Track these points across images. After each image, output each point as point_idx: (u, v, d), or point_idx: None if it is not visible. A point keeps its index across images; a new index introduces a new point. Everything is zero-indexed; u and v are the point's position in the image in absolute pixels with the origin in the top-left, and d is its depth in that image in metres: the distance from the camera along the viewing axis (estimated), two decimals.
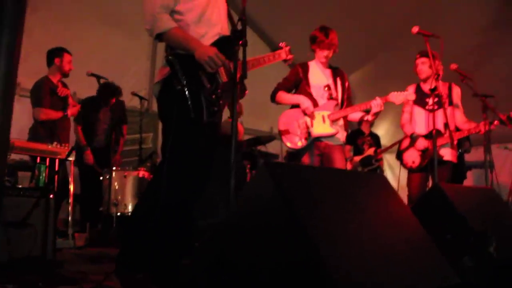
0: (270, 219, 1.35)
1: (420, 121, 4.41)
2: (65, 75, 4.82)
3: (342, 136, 3.83)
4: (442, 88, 4.30)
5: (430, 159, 4.16)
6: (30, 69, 5.31)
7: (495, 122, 4.12)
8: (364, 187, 1.67)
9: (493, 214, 2.44)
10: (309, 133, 3.74)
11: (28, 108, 4.77)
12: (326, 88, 3.83)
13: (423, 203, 2.29)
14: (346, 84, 3.96)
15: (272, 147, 6.38)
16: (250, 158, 5.69)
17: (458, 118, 4.39)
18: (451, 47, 5.58)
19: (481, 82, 5.19)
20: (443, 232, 2.18)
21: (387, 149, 6.45)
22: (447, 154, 4.23)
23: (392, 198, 1.77)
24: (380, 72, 7.10)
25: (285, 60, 3.14)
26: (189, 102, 2.25)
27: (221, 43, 2.46)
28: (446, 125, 3.87)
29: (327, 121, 3.74)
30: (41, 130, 4.55)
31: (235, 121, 2.17)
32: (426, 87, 4.33)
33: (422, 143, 4.32)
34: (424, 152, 4.33)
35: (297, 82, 3.90)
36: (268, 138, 5.86)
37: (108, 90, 4.99)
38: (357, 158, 6.25)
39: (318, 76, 3.90)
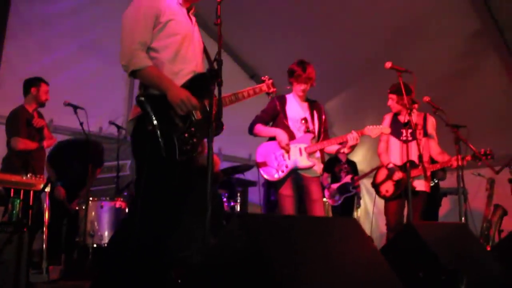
0: (242, 270, 1.37)
1: (395, 151, 4.53)
2: (41, 104, 4.78)
3: (319, 168, 3.88)
4: (417, 119, 4.43)
5: (403, 189, 4.31)
6: (6, 95, 5.29)
7: (467, 157, 4.22)
8: (337, 233, 1.70)
9: (465, 251, 2.49)
10: (286, 165, 3.78)
11: (1, 135, 4.72)
12: (303, 121, 3.89)
13: (397, 242, 2.34)
14: (323, 117, 4.03)
15: (250, 174, 6.40)
16: (227, 186, 5.70)
17: (433, 148, 4.51)
18: (425, 76, 5.76)
19: (454, 110, 5.35)
20: (416, 270, 2.22)
21: (364, 176, 6.54)
22: (420, 185, 4.34)
23: (363, 242, 1.80)
24: (357, 100, 7.22)
25: (268, 93, 3.21)
26: (161, 142, 2.28)
27: (195, 81, 2.51)
28: (420, 157, 3.95)
29: (304, 154, 3.79)
30: (16, 161, 4.48)
31: (211, 161, 2.19)
32: (401, 118, 4.45)
33: (397, 175, 4.43)
34: (398, 182, 4.43)
35: (274, 114, 3.96)
36: (246, 166, 5.88)
37: (91, 149, 5.02)
38: (335, 186, 6.31)
39: (295, 109, 3.97)
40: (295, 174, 3.82)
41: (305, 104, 4.01)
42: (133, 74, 2.39)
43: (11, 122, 4.58)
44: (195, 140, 2.42)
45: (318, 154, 3.90)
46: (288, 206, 3.76)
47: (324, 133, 3.99)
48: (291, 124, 3.89)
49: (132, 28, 2.42)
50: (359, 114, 7.27)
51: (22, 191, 3.83)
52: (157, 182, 2.36)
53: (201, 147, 2.53)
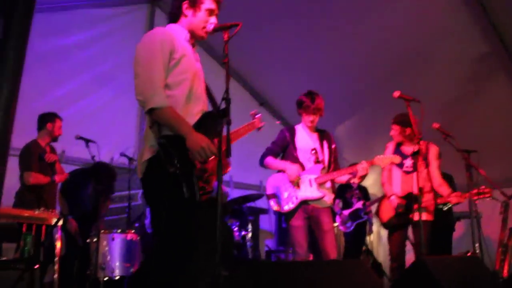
0: None
1: (396, 182, 4.53)
2: (55, 139, 4.89)
3: (329, 199, 3.89)
4: (421, 148, 4.41)
5: (405, 220, 4.34)
6: (19, 127, 5.36)
7: (465, 195, 4.22)
8: (345, 278, 1.68)
9: (477, 285, 2.44)
10: (296, 197, 3.78)
11: (14, 167, 4.78)
12: (313, 152, 3.91)
13: (407, 278, 2.31)
14: (333, 146, 4.05)
15: (261, 201, 6.38)
16: (238, 215, 5.69)
17: (434, 179, 4.44)
18: (433, 101, 5.77)
19: (464, 134, 5.32)
20: None
21: (375, 202, 6.48)
22: (422, 215, 4.28)
23: (371, 285, 1.78)
24: (366, 126, 7.22)
25: (258, 128, 3.25)
26: (183, 184, 2.25)
27: (205, 120, 2.49)
28: (420, 189, 3.90)
29: (314, 185, 3.80)
30: (28, 195, 4.52)
31: (221, 197, 2.21)
32: (404, 148, 4.46)
33: (398, 206, 4.40)
34: (399, 214, 4.40)
35: (284, 145, 3.99)
36: (257, 195, 5.87)
37: (103, 172, 5.06)
38: (346, 212, 6.27)
39: (305, 139, 3.99)
40: (305, 204, 3.82)
41: (315, 135, 4.04)
42: (150, 112, 2.32)
43: (24, 157, 4.65)
44: (210, 178, 2.42)
45: (328, 184, 3.91)
46: (299, 237, 3.75)
47: (334, 163, 4.00)
48: (300, 155, 3.91)
49: (151, 63, 2.37)
50: (368, 139, 7.26)
51: (34, 226, 3.87)
52: (179, 223, 2.32)
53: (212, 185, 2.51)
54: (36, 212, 3.91)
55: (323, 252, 3.77)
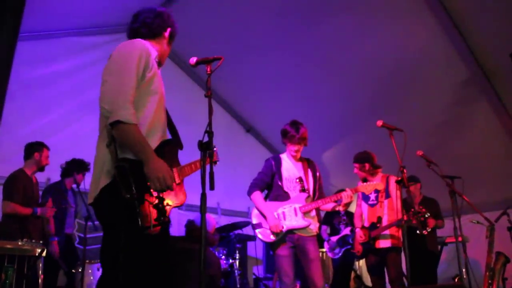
0: None
1: (364, 215, 4.88)
2: (42, 169, 4.85)
3: (315, 227, 3.90)
4: (381, 181, 4.58)
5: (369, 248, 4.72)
6: (2, 156, 5.32)
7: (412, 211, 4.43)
8: None
9: None
10: (281, 226, 3.80)
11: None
12: (298, 180, 3.93)
13: None
14: (317, 174, 4.08)
15: (250, 228, 6.33)
16: (226, 243, 5.64)
17: (397, 209, 4.67)
18: (417, 127, 5.86)
19: (448, 159, 5.39)
20: None
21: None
22: (383, 243, 4.62)
23: None
24: (352, 151, 7.24)
25: (215, 162, 3.21)
26: (137, 211, 2.06)
27: (166, 147, 2.35)
28: (379, 218, 4.58)
29: (299, 214, 3.82)
30: (11, 226, 4.44)
31: (204, 231, 2.20)
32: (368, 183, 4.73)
33: (359, 234, 4.73)
34: (363, 243, 4.73)
35: (271, 175, 4.01)
36: (245, 222, 5.84)
37: (74, 165, 5.00)
38: (334, 239, 6.25)
39: (290, 169, 4.02)
40: (291, 234, 3.83)
41: (299, 163, 4.07)
42: (114, 124, 2.09)
43: (8, 186, 4.59)
44: (166, 208, 2.23)
45: (313, 213, 3.93)
46: (286, 266, 3.75)
47: (319, 191, 4.03)
48: (285, 185, 3.94)
49: (125, 72, 2.19)
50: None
51: (17, 258, 3.76)
52: (136, 252, 2.15)
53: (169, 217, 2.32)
54: (20, 243, 3.83)
55: (310, 280, 3.76)
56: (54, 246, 4.87)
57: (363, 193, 4.75)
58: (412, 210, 4.47)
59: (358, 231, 4.76)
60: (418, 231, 4.77)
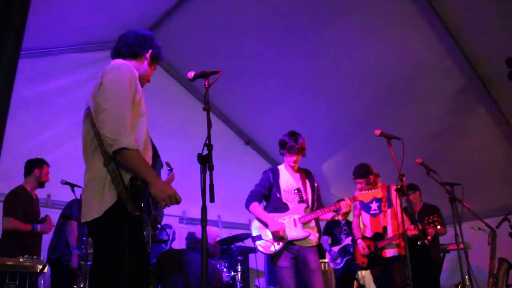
0: None
1: (367, 225, 4.86)
2: (42, 185, 4.88)
3: (314, 237, 3.90)
4: (382, 190, 4.59)
5: (372, 256, 4.72)
6: (2, 173, 5.32)
7: (411, 231, 4.47)
8: None
9: None
10: (282, 238, 3.79)
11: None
12: (296, 191, 3.93)
13: None
14: (315, 184, 4.08)
15: (251, 240, 6.31)
16: (227, 256, 5.62)
17: (399, 217, 4.65)
18: (415, 135, 5.88)
19: (447, 167, 5.39)
20: None
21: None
22: (390, 252, 4.61)
23: None
24: (351, 160, 7.24)
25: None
26: (144, 230, 2.21)
27: (154, 166, 2.47)
28: (384, 228, 4.53)
29: (299, 225, 3.82)
30: (11, 243, 4.43)
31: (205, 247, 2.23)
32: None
33: (362, 245, 4.72)
34: (367, 255, 4.73)
35: (269, 187, 4.02)
36: (246, 235, 5.83)
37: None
38: (336, 249, 6.24)
39: (288, 180, 4.03)
40: (291, 245, 3.83)
41: (297, 174, 4.08)
42: (118, 152, 2.18)
43: (8, 202, 4.61)
44: (158, 226, 2.42)
45: (312, 223, 3.92)
46: (287, 278, 3.75)
47: (317, 201, 4.03)
48: (284, 196, 3.94)
49: (121, 99, 2.25)
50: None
51: (18, 275, 3.76)
52: (136, 268, 2.20)
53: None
54: (21, 260, 3.83)
55: None
56: (74, 258, 4.88)
57: (362, 203, 4.76)
58: (426, 219, 4.52)
59: (360, 243, 4.74)
60: (419, 242, 4.72)
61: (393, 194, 4.73)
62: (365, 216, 4.87)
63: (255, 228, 3.94)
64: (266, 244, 3.82)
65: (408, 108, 6.11)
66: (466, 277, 4.50)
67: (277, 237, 3.78)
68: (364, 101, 6.26)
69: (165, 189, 2.24)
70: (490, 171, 6.30)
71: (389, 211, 4.69)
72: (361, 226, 4.99)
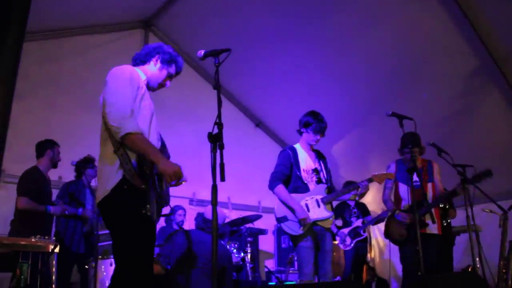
0: None
1: (404, 197, 4.64)
2: (55, 165, 4.90)
3: (332, 218, 3.98)
4: (422, 164, 4.47)
5: (414, 232, 4.19)
6: (15, 155, 5.35)
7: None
8: None
9: None
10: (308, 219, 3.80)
11: (11, 194, 4.79)
12: (314, 171, 3.93)
13: None
14: (328, 165, 4.09)
15: (261, 222, 6.34)
16: (237, 238, 5.65)
17: (439, 193, 4.60)
18: (427, 117, 5.80)
19: (460, 149, 5.33)
20: None
21: (373, 221, 6.44)
22: (431, 228, 4.42)
23: None
24: (361, 142, 7.25)
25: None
26: (148, 200, 2.40)
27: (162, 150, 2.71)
28: (425, 195, 4.27)
29: (322, 205, 3.84)
30: (24, 223, 4.46)
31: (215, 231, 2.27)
32: (407, 165, 4.50)
33: (404, 216, 4.49)
34: (408, 226, 4.47)
35: (290, 165, 3.97)
36: (255, 216, 5.85)
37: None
38: (345, 231, 6.25)
39: (306, 160, 4.02)
40: (314, 225, 3.85)
41: (313, 154, 4.07)
42: (124, 137, 2.40)
43: (23, 181, 4.64)
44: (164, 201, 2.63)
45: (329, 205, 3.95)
46: (309, 257, 3.78)
47: (330, 182, 4.05)
48: (304, 175, 3.93)
49: (123, 92, 2.50)
50: (364, 157, 7.29)
51: (30, 254, 3.82)
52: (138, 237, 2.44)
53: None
54: (33, 240, 3.87)
55: (323, 269, 3.83)
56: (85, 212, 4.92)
57: (399, 175, 4.59)
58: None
59: (402, 214, 4.54)
60: (446, 219, 4.63)
61: (436, 170, 4.65)
62: (402, 189, 4.70)
63: (279, 209, 3.92)
64: (293, 225, 3.82)
65: (421, 88, 6.02)
66: (477, 259, 4.49)
67: (303, 223, 3.78)
68: (375, 82, 6.19)
69: (171, 166, 2.40)
70: (502, 153, 6.22)
71: (429, 185, 4.61)
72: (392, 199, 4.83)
